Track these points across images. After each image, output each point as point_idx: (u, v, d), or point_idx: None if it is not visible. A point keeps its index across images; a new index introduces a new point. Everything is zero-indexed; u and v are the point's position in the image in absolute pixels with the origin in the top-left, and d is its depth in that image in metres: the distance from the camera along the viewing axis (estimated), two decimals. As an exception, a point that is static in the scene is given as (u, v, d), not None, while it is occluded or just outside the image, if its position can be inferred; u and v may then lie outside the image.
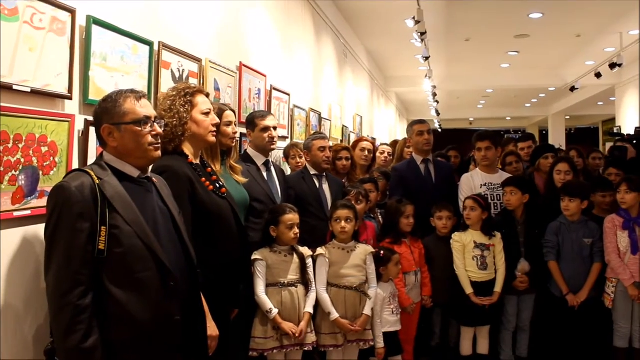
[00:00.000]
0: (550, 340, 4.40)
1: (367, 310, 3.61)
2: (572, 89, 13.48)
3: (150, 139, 2.10)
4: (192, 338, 2.18)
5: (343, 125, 8.85)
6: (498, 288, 4.15)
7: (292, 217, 3.39)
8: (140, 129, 2.07)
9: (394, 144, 6.37)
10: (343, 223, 3.64)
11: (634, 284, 4.03)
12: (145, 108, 2.11)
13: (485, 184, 4.59)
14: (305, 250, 3.52)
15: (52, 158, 2.37)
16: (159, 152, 2.17)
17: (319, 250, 3.63)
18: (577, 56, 12.22)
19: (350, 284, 3.61)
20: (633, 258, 4.04)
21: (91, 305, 1.86)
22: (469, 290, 4.14)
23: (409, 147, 5.72)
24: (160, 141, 2.17)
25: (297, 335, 3.31)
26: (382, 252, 3.83)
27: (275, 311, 3.30)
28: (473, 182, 4.61)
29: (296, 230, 3.39)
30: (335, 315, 3.52)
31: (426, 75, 11.46)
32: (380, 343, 3.73)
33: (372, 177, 4.53)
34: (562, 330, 4.28)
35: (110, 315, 1.90)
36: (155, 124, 2.13)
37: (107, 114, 2.07)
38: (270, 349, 3.33)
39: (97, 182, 1.95)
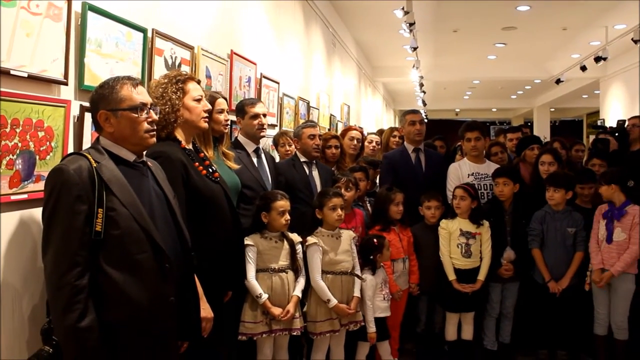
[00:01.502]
0: (533, 326, 4.51)
1: (357, 292, 3.71)
2: (558, 81, 13.62)
3: (146, 125, 2.14)
4: (186, 320, 2.23)
5: (331, 114, 8.90)
6: (481, 276, 4.24)
7: (283, 203, 3.45)
8: (136, 115, 2.11)
9: (381, 132, 6.43)
10: (339, 211, 3.70)
11: (600, 270, 4.14)
12: (141, 95, 2.15)
13: (473, 173, 4.66)
14: (295, 237, 3.57)
15: (48, 143, 2.40)
16: (154, 139, 2.21)
17: (311, 239, 3.66)
18: (563, 49, 12.33)
19: (345, 269, 3.69)
20: (607, 247, 4.15)
21: (88, 285, 1.90)
22: (451, 276, 4.23)
23: (394, 136, 5.79)
24: (155, 128, 2.21)
25: (284, 316, 3.37)
26: (375, 239, 3.90)
27: (265, 296, 3.36)
28: (461, 171, 4.67)
29: (287, 216, 3.45)
30: (334, 302, 3.58)
31: (413, 66, 11.50)
32: (372, 328, 3.80)
33: (362, 166, 4.59)
34: (544, 316, 4.39)
35: (107, 296, 1.94)
36: (151, 110, 2.17)
37: (103, 100, 2.10)
38: (259, 333, 3.38)
39: (95, 165, 1.99)
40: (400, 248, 4.19)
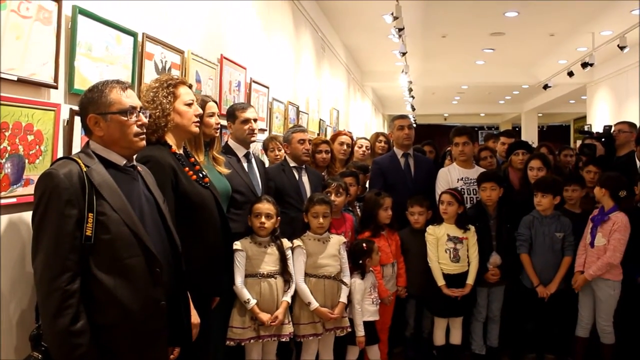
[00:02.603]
0: (521, 330, 4.53)
1: (343, 298, 3.71)
2: (545, 87, 13.70)
3: (135, 129, 2.13)
4: (176, 324, 2.22)
5: (320, 119, 8.90)
6: (470, 280, 4.26)
7: (260, 206, 3.45)
8: (126, 119, 2.10)
9: None
10: (321, 219, 3.71)
11: (580, 272, 4.18)
12: (130, 98, 2.15)
13: (462, 178, 4.68)
14: (286, 242, 3.57)
15: (37, 147, 2.38)
16: (144, 142, 2.20)
17: (296, 242, 3.68)
18: (550, 55, 12.41)
19: (329, 273, 3.69)
20: (590, 251, 4.19)
21: (79, 290, 1.89)
22: (440, 282, 4.24)
23: (380, 141, 5.81)
24: (145, 131, 2.20)
25: (273, 323, 3.37)
26: (364, 244, 3.91)
27: (253, 302, 3.35)
28: (450, 176, 4.70)
29: (262, 219, 3.43)
30: (315, 304, 3.59)
31: (402, 71, 11.52)
32: (361, 332, 3.81)
33: (353, 171, 4.60)
34: (532, 321, 4.41)
35: (97, 300, 1.93)
36: (140, 114, 2.17)
37: (93, 103, 2.10)
38: (248, 339, 3.38)
39: (85, 169, 1.98)
40: (389, 253, 4.21)
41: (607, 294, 4.14)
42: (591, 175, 4.84)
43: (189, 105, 2.70)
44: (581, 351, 4.28)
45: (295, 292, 3.62)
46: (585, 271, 4.13)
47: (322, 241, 3.75)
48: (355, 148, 5.56)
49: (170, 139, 2.68)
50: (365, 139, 6.00)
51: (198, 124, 2.76)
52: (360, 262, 3.88)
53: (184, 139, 2.78)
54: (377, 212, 4.20)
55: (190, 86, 2.78)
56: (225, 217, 2.93)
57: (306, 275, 3.66)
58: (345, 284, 3.75)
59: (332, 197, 3.96)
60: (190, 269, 2.40)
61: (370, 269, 3.96)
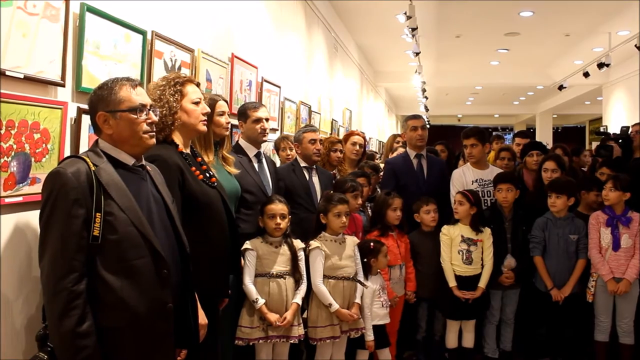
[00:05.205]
0: (534, 334, 4.46)
1: (358, 298, 3.67)
2: (560, 87, 13.58)
3: (145, 127, 2.10)
4: (183, 326, 2.20)
5: (332, 119, 8.87)
6: (482, 283, 4.20)
7: (273, 207, 3.42)
8: (135, 116, 2.07)
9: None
10: (343, 218, 3.67)
11: (614, 279, 4.10)
12: (140, 96, 2.12)
13: (477, 180, 4.62)
14: (298, 243, 3.53)
15: (44, 145, 2.36)
16: (154, 140, 2.17)
17: (314, 244, 3.63)
18: (565, 55, 12.30)
19: (348, 274, 3.65)
20: (614, 254, 4.12)
21: (85, 291, 1.86)
22: (452, 283, 4.19)
23: (398, 142, 5.77)
24: (154, 129, 2.18)
25: (280, 323, 3.33)
26: (372, 243, 3.86)
27: (261, 301, 3.32)
28: (464, 178, 4.64)
29: (277, 220, 3.40)
30: (336, 306, 3.54)
31: (416, 71, 11.46)
32: (371, 336, 3.76)
33: (364, 172, 4.56)
34: (546, 324, 4.35)
35: (104, 301, 1.91)
36: (150, 112, 2.14)
37: (102, 101, 2.07)
38: (256, 338, 3.35)
39: (93, 168, 1.95)
40: (397, 254, 4.16)
41: (634, 293, 4.12)
42: (604, 177, 4.76)
43: (197, 103, 2.66)
44: (603, 355, 4.22)
45: (312, 294, 3.59)
46: (625, 276, 4.08)
47: (339, 242, 3.71)
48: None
49: (177, 138, 2.64)
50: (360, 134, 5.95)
51: (206, 123, 2.72)
52: (365, 260, 3.82)
53: (191, 137, 2.75)
54: (386, 211, 4.16)
55: (198, 84, 2.74)
56: (233, 217, 2.90)
57: (325, 277, 3.61)
58: (364, 284, 3.71)
59: (351, 200, 3.92)
60: (196, 269, 2.36)
61: (378, 271, 3.91)
